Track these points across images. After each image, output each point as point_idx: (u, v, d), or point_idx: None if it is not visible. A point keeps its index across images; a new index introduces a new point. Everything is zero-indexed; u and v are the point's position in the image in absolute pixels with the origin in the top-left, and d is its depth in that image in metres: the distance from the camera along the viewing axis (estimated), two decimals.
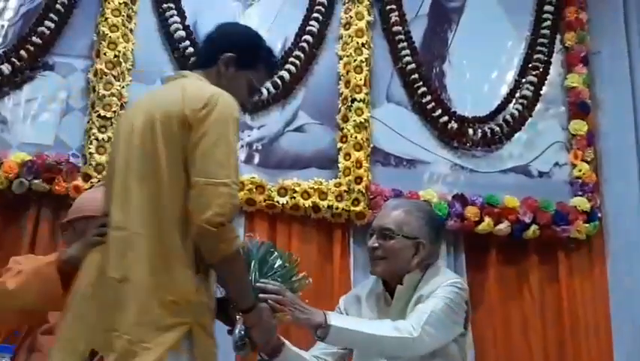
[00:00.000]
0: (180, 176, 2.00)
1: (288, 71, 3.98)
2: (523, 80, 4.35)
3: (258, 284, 2.33)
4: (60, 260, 2.35)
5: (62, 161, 3.53)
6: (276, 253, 2.43)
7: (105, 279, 2.03)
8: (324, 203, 3.79)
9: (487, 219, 3.99)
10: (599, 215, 4.20)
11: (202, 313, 2.04)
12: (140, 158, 2.05)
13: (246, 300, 2.18)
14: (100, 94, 3.64)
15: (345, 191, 3.83)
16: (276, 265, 2.41)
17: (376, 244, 2.68)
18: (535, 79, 4.35)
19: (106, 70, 3.67)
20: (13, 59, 3.61)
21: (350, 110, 3.95)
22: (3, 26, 3.68)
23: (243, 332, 2.24)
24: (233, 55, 2.27)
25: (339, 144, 3.92)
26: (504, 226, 4.02)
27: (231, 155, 2.03)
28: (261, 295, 2.30)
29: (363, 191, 3.85)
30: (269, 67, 2.47)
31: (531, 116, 4.32)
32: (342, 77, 4.04)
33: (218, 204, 1.92)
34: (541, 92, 4.37)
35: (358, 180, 3.86)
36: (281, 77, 3.95)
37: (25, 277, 2.34)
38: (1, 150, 3.51)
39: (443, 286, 2.60)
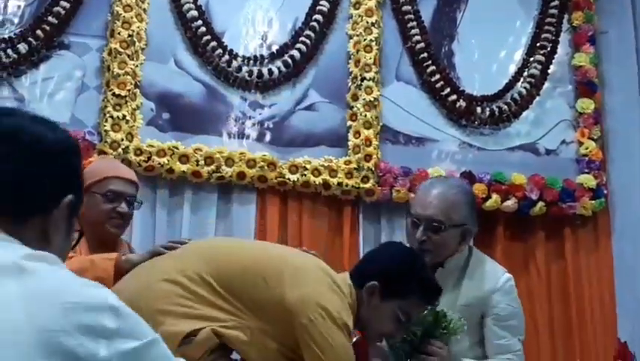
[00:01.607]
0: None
1: (299, 50, 4.00)
2: (531, 59, 4.37)
3: (423, 347, 2.40)
4: (119, 259, 2.43)
5: (78, 138, 3.51)
6: (444, 317, 2.45)
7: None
8: (334, 180, 3.84)
9: (495, 196, 4.04)
10: (605, 192, 4.24)
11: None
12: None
13: None
14: (114, 73, 3.65)
15: (354, 168, 3.88)
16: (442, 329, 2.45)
17: (424, 237, 2.59)
18: (542, 58, 4.37)
19: (120, 49, 3.68)
20: (30, 39, 3.61)
21: (360, 89, 3.99)
22: (19, 6, 3.68)
23: None
24: (377, 284, 2.22)
25: (349, 123, 3.96)
26: (511, 203, 4.07)
27: None
28: (423, 357, 2.39)
29: (373, 168, 3.91)
30: (423, 298, 2.33)
31: (539, 94, 4.34)
32: (352, 56, 4.06)
33: None
34: (549, 71, 4.39)
35: (368, 157, 3.91)
36: (292, 57, 3.98)
37: (80, 264, 2.39)
38: None
39: (509, 293, 2.66)
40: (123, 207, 2.76)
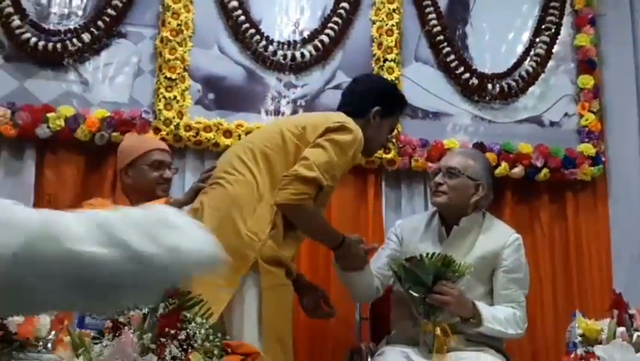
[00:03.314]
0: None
1: (328, 35, 4.16)
2: (537, 40, 4.48)
3: (435, 287, 2.74)
4: (168, 202, 2.82)
5: (136, 116, 3.78)
6: (450, 262, 2.79)
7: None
8: None
9: (504, 164, 4.19)
10: (603, 160, 4.38)
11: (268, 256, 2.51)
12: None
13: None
14: (166, 58, 3.87)
15: None
16: (448, 272, 2.79)
17: (441, 181, 2.98)
18: (547, 39, 4.48)
19: (170, 37, 3.89)
20: (92, 29, 3.86)
21: (382, 69, 4.13)
22: (83, 0, 3.97)
23: None
24: (379, 108, 2.80)
25: None
26: (518, 170, 4.22)
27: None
28: (437, 297, 2.75)
29: (394, 141, 4.04)
30: (402, 110, 3.09)
31: (544, 72, 4.47)
32: (375, 40, 4.20)
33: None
34: (553, 51, 4.50)
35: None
36: (321, 41, 4.14)
37: None
38: (84, 108, 3.77)
39: (517, 250, 3.00)
40: (167, 173, 3.18)
